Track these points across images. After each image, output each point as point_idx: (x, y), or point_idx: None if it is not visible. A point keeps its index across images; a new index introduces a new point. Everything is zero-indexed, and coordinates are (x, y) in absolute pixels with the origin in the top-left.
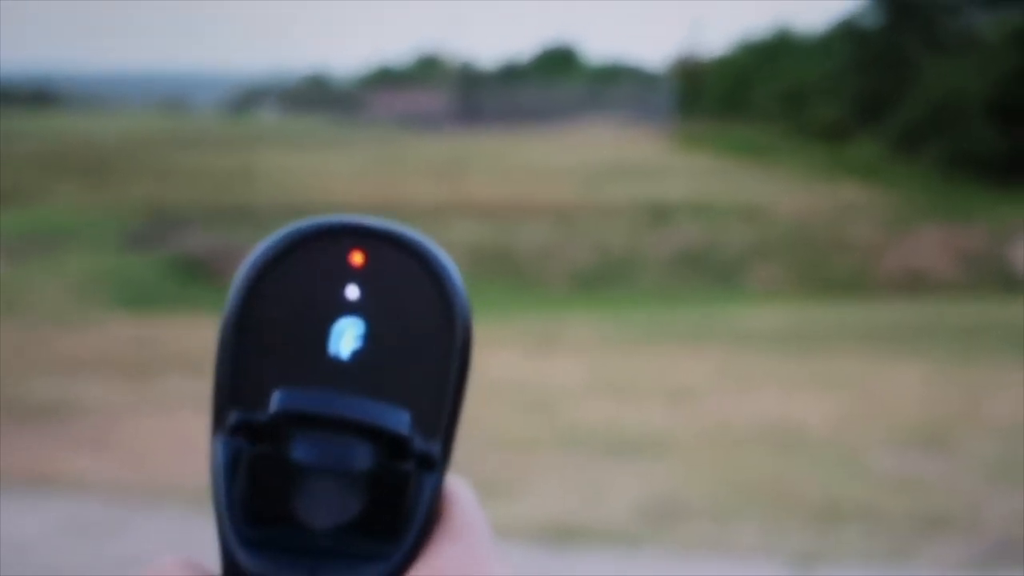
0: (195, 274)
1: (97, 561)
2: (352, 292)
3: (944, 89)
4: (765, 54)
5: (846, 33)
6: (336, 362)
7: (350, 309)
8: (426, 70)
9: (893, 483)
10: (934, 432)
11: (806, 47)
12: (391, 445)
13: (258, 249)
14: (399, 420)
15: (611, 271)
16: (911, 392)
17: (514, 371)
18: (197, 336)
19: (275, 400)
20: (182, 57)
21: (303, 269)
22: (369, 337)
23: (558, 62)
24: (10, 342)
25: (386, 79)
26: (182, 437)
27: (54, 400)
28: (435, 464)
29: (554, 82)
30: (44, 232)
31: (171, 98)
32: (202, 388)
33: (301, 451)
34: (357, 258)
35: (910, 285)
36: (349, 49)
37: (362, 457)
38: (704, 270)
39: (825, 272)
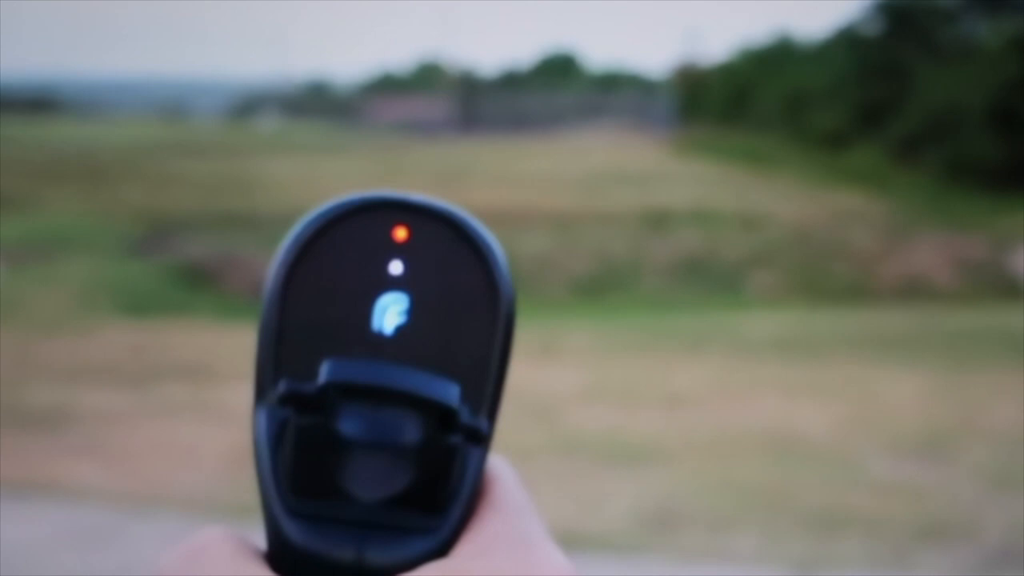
0: (195, 281)
1: (95, 568)
2: (395, 267)
3: (944, 97)
4: (765, 62)
5: (846, 41)
6: (380, 337)
7: (394, 284)
8: (426, 77)
9: (892, 490)
10: (933, 439)
11: (806, 55)
12: (440, 418)
13: (301, 223)
14: (449, 392)
15: (611, 278)
16: (910, 399)
17: (513, 378)
18: (197, 343)
19: (324, 370)
20: (182, 64)
21: (346, 244)
22: (413, 312)
23: (558, 69)
24: (9, 348)
25: (386, 86)
26: (181, 444)
27: (53, 407)
28: (483, 438)
29: (554, 89)
30: (44, 239)
31: (171, 105)
32: (201, 395)
33: (349, 423)
34: (400, 233)
35: (909, 293)
36: (350, 56)
37: (411, 430)
38: (704, 277)
39: (825, 279)
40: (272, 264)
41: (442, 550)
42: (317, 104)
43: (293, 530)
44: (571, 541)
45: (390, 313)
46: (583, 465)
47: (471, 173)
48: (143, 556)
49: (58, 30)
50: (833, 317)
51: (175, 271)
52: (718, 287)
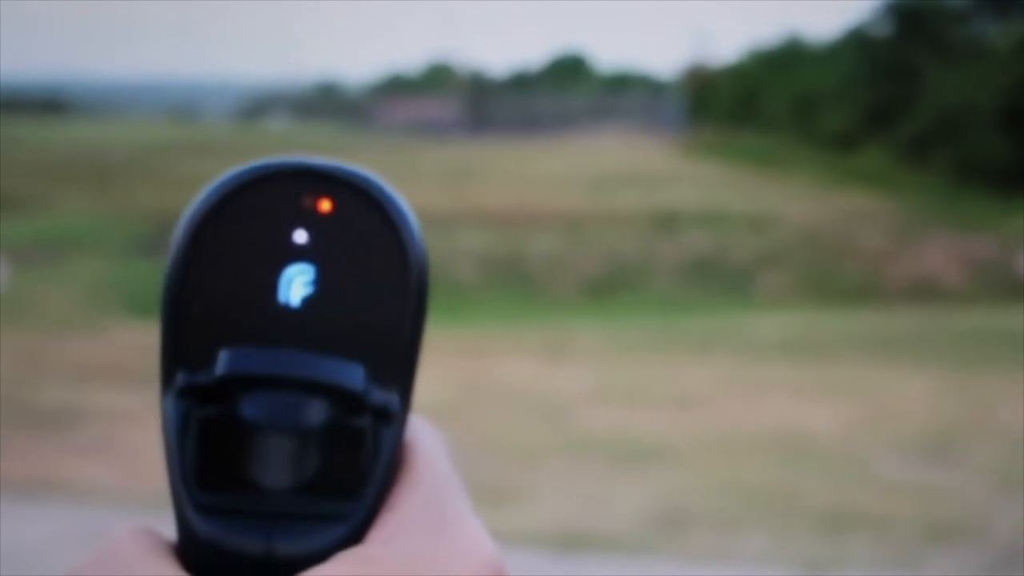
0: None
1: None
2: (301, 237)
3: (953, 98)
4: (775, 63)
5: (855, 42)
6: (286, 310)
7: (300, 255)
8: (436, 78)
9: (901, 491)
10: (942, 440)
11: (816, 56)
12: (346, 400)
13: (200, 196)
14: (352, 375)
15: (620, 279)
16: (919, 400)
17: (522, 379)
18: None
19: (221, 361)
20: (192, 65)
21: (249, 215)
22: (320, 283)
23: (568, 71)
24: (18, 349)
25: (396, 87)
26: None
27: (62, 407)
28: (393, 417)
29: (564, 91)
30: (53, 239)
31: (181, 106)
32: None
33: (250, 410)
34: (307, 201)
35: (918, 293)
36: (359, 57)
37: (315, 413)
38: (713, 278)
39: (834, 280)
40: (174, 235)
41: (356, 536)
42: (327, 105)
43: (200, 524)
44: (580, 541)
45: (296, 284)
46: (592, 465)
47: (481, 174)
48: None
49: (68, 31)
50: (842, 318)
51: None
52: (727, 288)
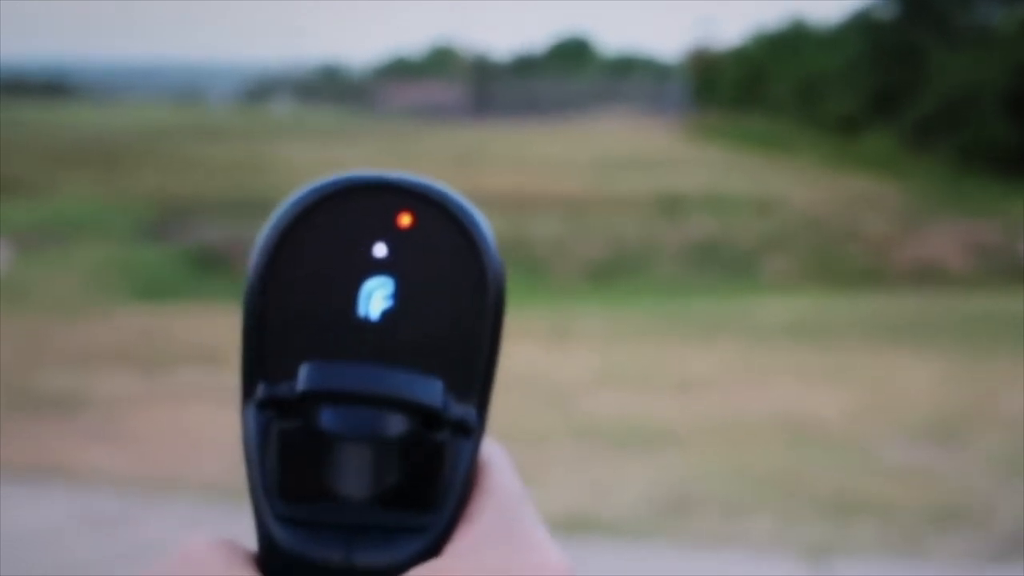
0: (208, 265)
1: (109, 552)
2: (381, 250)
3: (958, 82)
4: (779, 46)
5: (860, 26)
6: (365, 323)
7: (380, 268)
8: (440, 62)
9: (906, 476)
10: (947, 425)
11: (820, 39)
12: (425, 414)
13: (280, 208)
14: (431, 391)
15: (624, 263)
16: (924, 385)
17: (527, 363)
18: (210, 327)
19: (303, 377)
20: (196, 49)
21: (330, 227)
22: (399, 297)
23: (572, 54)
24: (23, 333)
25: (400, 71)
26: (194, 428)
27: (66, 391)
28: (471, 431)
29: (568, 74)
30: (58, 223)
31: (185, 89)
32: (215, 380)
33: (330, 422)
34: (387, 216)
35: (923, 278)
36: (363, 40)
37: (394, 426)
38: (717, 262)
39: (838, 264)
40: (254, 249)
41: (434, 549)
42: (330, 88)
43: (281, 535)
44: (584, 526)
45: (376, 298)
46: (596, 450)
47: (484, 158)
48: (156, 540)
49: (72, 14)
50: (847, 302)
51: (189, 255)
52: (732, 272)
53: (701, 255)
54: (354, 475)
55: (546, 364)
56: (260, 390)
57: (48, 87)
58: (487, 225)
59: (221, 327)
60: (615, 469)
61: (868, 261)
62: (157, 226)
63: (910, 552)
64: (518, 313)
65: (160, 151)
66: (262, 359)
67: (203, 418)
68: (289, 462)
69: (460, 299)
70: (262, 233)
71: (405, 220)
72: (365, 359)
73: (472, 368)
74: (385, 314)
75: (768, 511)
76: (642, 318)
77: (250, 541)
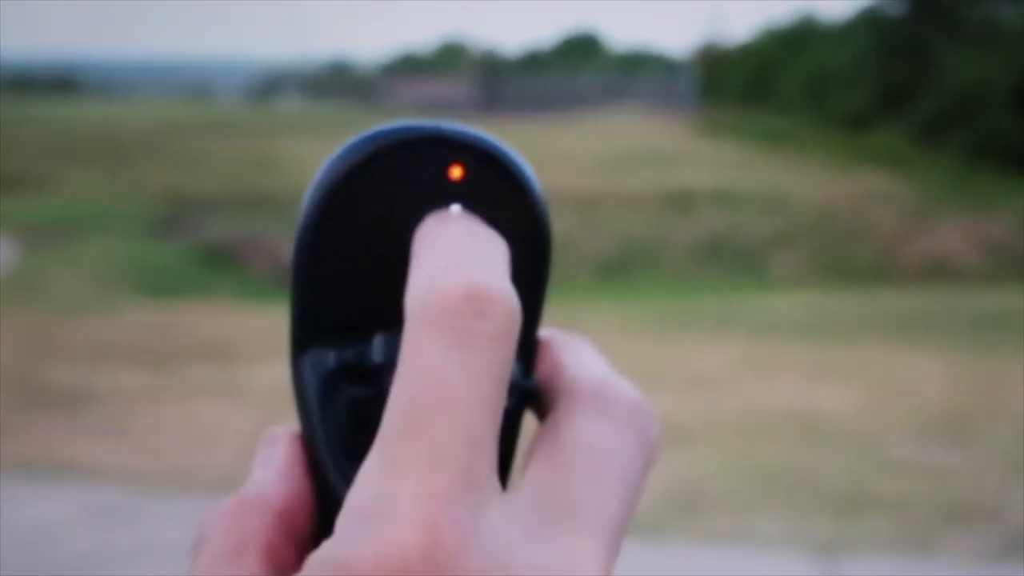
0: (217, 262)
1: (116, 548)
2: (425, 198)
3: (967, 78)
4: (788, 42)
5: (869, 21)
6: None
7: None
8: (448, 57)
9: (915, 472)
10: (957, 421)
11: (829, 35)
12: None
13: (334, 156)
14: None
15: (633, 259)
16: (933, 381)
17: None
18: (219, 324)
19: (379, 348)
20: (205, 45)
21: (389, 179)
22: None
23: (581, 50)
24: (32, 329)
25: (408, 66)
26: (203, 425)
27: (74, 387)
28: (536, 398)
29: (577, 69)
30: (67, 219)
31: (193, 85)
32: (223, 376)
33: None
34: (452, 171)
35: (932, 274)
36: (371, 36)
37: None
38: (726, 258)
39: (847, 261)
40: (305, 201)
41: None
42: (339, 84)
43: None
44: None
45: None
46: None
47: None
48: (163, 536)
49: (81, 10)
50: (856, 299)
51: (197, 252)
52: (741, 268)
53: (710, 251)
54: None
55: None
56: (331, 358)
57: (56, 83)
58: (534, 176)
59: (229, 324)
60: None
61: (877, 257)
62: (165, 222)
63: (920, 549)
64: None
65: (168, 147)
66: (315, 317)
67: (211, 414)
68: (358, 428)
69: (515, 254)
70: (314, 182)
71: (456, 172)
72: None
73: (529, 325)
74: None
75: (778, 507)
76: (651, 314)
77: None
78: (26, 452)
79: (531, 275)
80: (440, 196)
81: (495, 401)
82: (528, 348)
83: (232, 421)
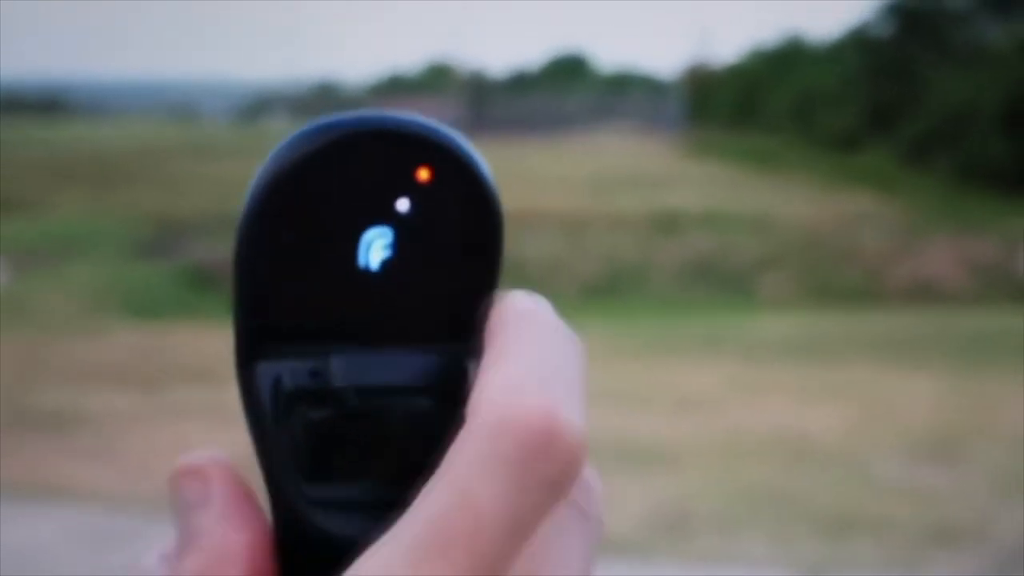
0: (205, 284)
1: (104, 570)
2: (381, 199)
3: (955, 99)
4: (776, 63)
5: (857, 42)
6: (365, 273)
7: (380, 217)
8: (436, 78)
9: (904, 493)
10: (945, 443)
11: (817, 56)
12: (456, 394)
13: (282, 148)
14: (463, 372)
15: (620, 280)
16: (921, 402)
17: None
18: (206, 346)
19: (337, 372)
20: (192, 66)
21: (350, 172)
22: (400, 248)
23: (568, 71)
24: (18, 351)
25: (396, 87)
26: (190, 447)
27: (62, 409)
28: None
29: (564, 91)
30: (53, 241)
31: (181, 107)
32: (210, 398)
33: (363, 407)
34: (420, 172)
35: (920, 295)
36: (358, 57)
37: (422, 405)
38: (714, 279)
39: (835, 282)
40: (259, 173)
41: None
42: (326, 105)
43: (316, 518)
44: None
45: (375, 248)
46: (593, 467)
47: None
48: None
49: (68, 31)
50: (844, 320)
51: (185, 273)
52: (728, 289)
53: (698, 272)
54: (386, 453)
55: None
56: (286, 378)
57: (44, 105)
58: (487, 167)
59: (216, 345)
60: (610, 487)
61: (865, 278)
62: (152, 244)
63: (908, 569)
64: None
65: (156, 169)
66: (262, 324)
67: (198, 436)
68: (316, 446)
69: (463, 251)
70: (260, 172)
71: (424, 174)
72: (366, 314)
73: (474, 329)
74: (385, 265)
75: (766, 528)
76: (638, 336)
77: None
78: (14, 474)
79: (482, 291)
80: (402, 196)
81: (523, 541)
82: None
83: (220, 442)
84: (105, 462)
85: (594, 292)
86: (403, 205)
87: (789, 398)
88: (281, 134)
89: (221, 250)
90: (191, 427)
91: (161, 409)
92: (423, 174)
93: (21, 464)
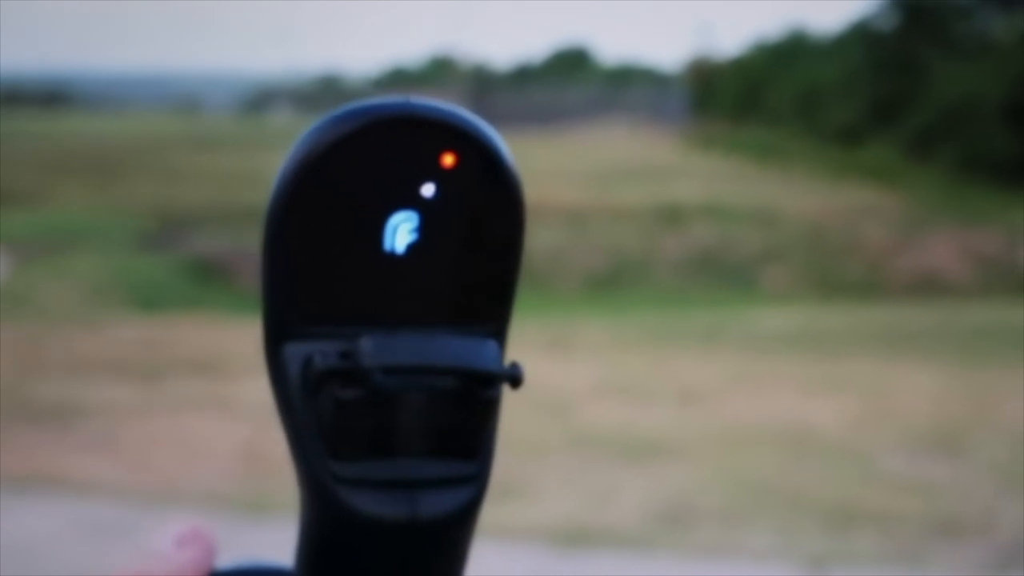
0: (208, 276)
1: (105, 562)
2: (407, 184)
3: (958, 92)
4: (779, 56)
5: (860, 36)
6: (392, 257)
7: (406, 202)
8: (439, 71)
9: (906, 487)
10: (948, 435)
11: (820, 49)
12: (481, 376)
13: (309, 135)
14: (489, 355)
15: (624, 273)
16: (924, 395)
17: (526, 373)
18: (209, 338)
19: (366, 352)
20: (195, 58)
21: (377, 156)
22: (425, 231)
23: (571, 63)
24: (21, 343)
25: (399, 80)
26: (193, 439)
27: (64, 402)
28: (518, 383)
29: (567, 83)
30: (56, 233)
31: (184, 99)
32: (214, 390)
33: (393, 386)
34: (445, 158)
35: (923, 288)
36: (362, 50)
37: (449, 387)
38: (717, 272)
39: (838, 275)
40: (278, 175)
41: (481, 494)
42: (329, 98)
43: (347, 496)
44: (583, 537)
45: (401, 232)
46: (595, 461)
47: None
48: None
49: (71, 24)
50: (847, 312)
51: (187, 266)
52: (731, 282)
53: (701, 265)
54: (412, 432)
55: (545, 374)
56: (316, 358)
57: (47, 97)
58: (505, 145)
59: (218, 337)
60: (614, 480)
61: (868, 271)
62: (155, 236)
63: (910, 563)
64: (516, 322)
65: (158, 161)
66: (292, 305)
67: (201, 428)
68: (346, 425)
69: (494, 243)
70: (290, 154)
71: (449, 160)
72: (395, 296)
73: (501, 311)
74: (411, 248)
75: (768, 522)
76: (641, 328)
77: (248, 551)
78: (16, 466)
79: (504, 274)
80: (427, 180)
81: None
82: (502, 331)
83: (222, 434)
84: (106, 454)
85: (597, 284)
86: (428, 190)
87: (792, 390)
88: (284, 127)
89: (223, 242)
90: (192, 419)
91: (164, 401)
92: (448, 160)
93: (22, 456)
